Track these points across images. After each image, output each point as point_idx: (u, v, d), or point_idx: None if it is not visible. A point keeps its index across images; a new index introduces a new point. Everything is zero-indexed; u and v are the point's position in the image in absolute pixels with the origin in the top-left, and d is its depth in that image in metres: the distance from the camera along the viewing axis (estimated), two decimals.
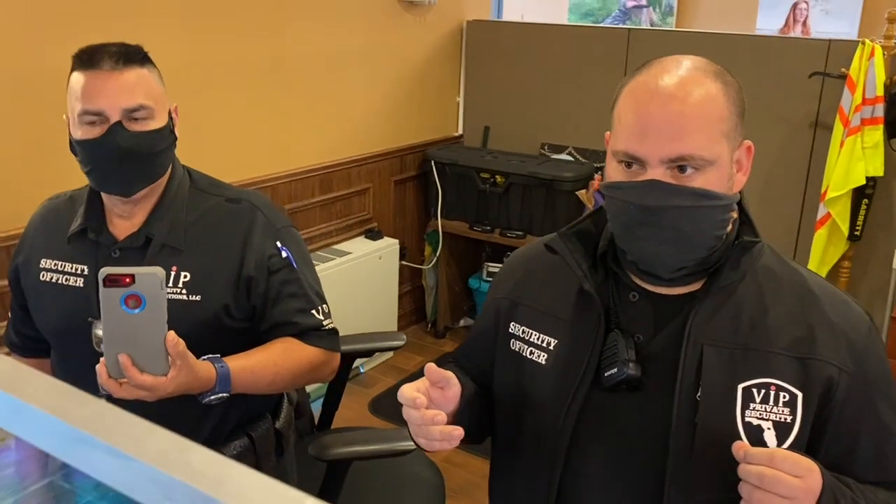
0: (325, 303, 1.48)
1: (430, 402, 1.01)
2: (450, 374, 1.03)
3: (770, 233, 3.08)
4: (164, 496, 0.34)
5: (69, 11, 2.14)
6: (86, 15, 2.18)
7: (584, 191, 3.19)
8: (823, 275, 2.77)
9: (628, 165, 0.99)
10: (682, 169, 0.97)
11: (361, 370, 3.31)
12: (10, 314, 1.55)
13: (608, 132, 1.05)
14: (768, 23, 5.13)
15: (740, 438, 0.99)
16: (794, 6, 5.00)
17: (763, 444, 0.99)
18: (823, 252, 2.78)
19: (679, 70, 0.99)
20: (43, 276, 1.41)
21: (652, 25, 5.54)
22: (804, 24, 4.92)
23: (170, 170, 1.42)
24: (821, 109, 2.84)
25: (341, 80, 3.11)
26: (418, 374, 1.05)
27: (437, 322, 3.69)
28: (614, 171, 1.01)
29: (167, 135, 1.37)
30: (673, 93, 0.96)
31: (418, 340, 3.65)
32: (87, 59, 1.31)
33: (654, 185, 0.96)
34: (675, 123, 0.95)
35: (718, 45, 2.98)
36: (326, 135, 3.10)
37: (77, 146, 1.33)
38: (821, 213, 2.75)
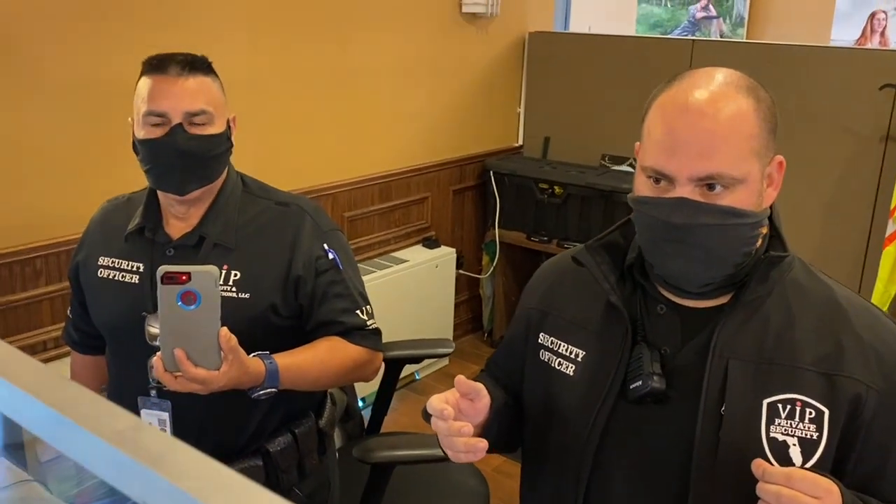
0: (369, 304, 1.52)
1: (460, 413, 1.02)
2: (479, 385, 1.03)
3: (837, 249, 2.99)
4: (119, 472, 0.37)
5: (137, 24, 2.24)
6: (154, 28, 2.28)
7: None
8: (892, 294, 2.67)
9: (657, 181, 0.99)
10: (710, 187, 0.96)
11: (417, 377, 3.34)
12: (69, 312, 1.62)
13: (638, 143, 1.04)
14: (844, 33, 4.97)
15: (765, 454, 0.97)
16: (872, 16, 4.83)
17: (789, 460, 0.97)
18: (892, 270, 2.67)
19: (710, 84, 0.97)
20: (101, 272, 1.48)
21: (722, 36, 5.44)
22: (882, 34, 4.75)
23: (224, 174, 1.47)
24: (892, 122, 2.74)
25: (403, 91, 3.15)
26: None
27: (493, 331, 3.69)
28: (643, 185, 1.01)
29: (224, 141, 1.43)
30: (703, 109, 0.95)
31: (474, 350, 3.66)
32: (157, 64, 1.39)
33: (682, 203, 0.96)
34: (705, 141, 0.94)
35: (783, 56, 2.91)
36: (387, 144, 3.15)
37: (139, 145, 1.40)
38: (890, 229, 2.65)
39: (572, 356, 1.11)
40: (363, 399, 2.53)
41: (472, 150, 3.55)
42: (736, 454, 0.97)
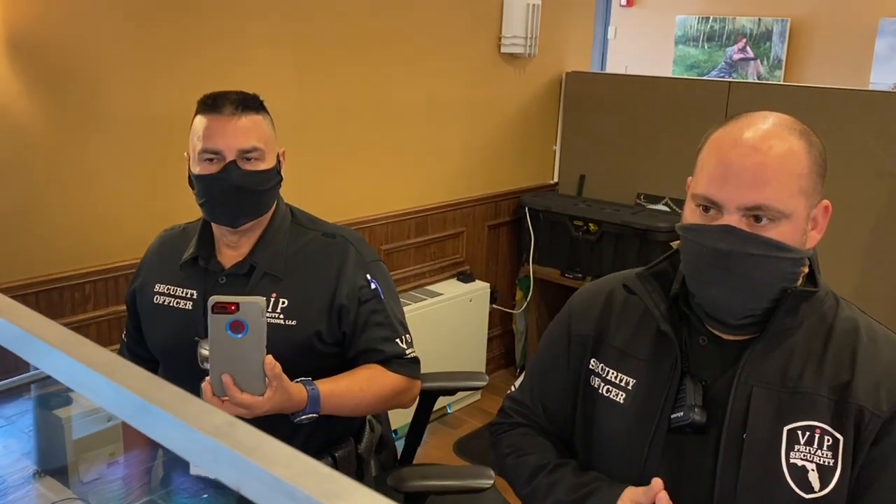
0: (409, 333, 1.57)
1: None
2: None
3: (875, 292, 2.97)
4: (215, 460, 0.43)
5: (193, 64, 2.34)
6: (210, 67, 2.37)
7: (678, 241, 3.17)
8: None
9: (706, 209, 1.03)
10: (757, 219, 1.00)
11: (449, 410, 3.36)
12: (124, 335, 1.69)
13: (689, 177, 1.09)
14: (883, 76, 4.98)
15: (784, 479, 1.00)
16: None
17: (808, 485, 1.00)
18: None
19: (765, 125, 1.02)
20: (156, 299, 1.55)
21: (759, 78, 5.47)
22: None
23: (274, 206, 1.54)
24: None
25: (441, 128, 3.23)
26: None
27: (525, 367, 3.70)
28: (692, 214, 1.06)
29: (274, 175, 1.50)
30: (756, 145, 1.00)
31: (506, 385, 3.64)
32: (211, 103, 1.46)
33: (729, 231, 1.00)
34: (755, 173, 0.99)
35: (821, 99, 2.93)
36: (424, 179, 3.22)
37: (195, 180, 1.47)
38: None
39: (622, 384, 1.15)
40: (396, 431, 2.56)
41: (507, 187, 3.60)
42: (756, 479, 1.00)
